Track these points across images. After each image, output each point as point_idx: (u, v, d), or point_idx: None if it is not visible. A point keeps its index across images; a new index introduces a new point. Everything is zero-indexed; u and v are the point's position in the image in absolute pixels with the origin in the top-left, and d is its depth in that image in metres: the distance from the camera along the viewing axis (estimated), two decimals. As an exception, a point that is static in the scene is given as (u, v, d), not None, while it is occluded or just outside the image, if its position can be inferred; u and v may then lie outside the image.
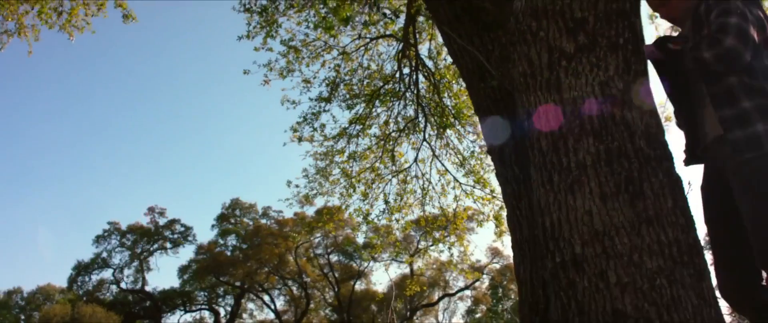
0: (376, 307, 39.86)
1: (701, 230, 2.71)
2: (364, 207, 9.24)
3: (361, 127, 9.16)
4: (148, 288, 38.11)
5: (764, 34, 2.72)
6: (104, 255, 37.71)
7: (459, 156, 9.14)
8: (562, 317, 2.52)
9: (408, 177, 9.20)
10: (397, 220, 9.39)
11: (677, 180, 2.58)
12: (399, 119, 9.22)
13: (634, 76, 2.62)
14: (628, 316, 2.35)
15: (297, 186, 9.78)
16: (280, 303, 39.74)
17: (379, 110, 9.30)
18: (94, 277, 38.10)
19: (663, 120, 3.41)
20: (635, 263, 2.39)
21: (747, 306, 2.73)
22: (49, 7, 8.30)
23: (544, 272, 2.70)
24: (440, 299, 41.77)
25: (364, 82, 9.15)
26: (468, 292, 42.82)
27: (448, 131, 9.01)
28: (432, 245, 11.49)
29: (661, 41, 2.92)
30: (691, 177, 2.98)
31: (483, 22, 3.42)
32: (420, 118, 9.03)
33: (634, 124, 2.54)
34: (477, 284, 41.15)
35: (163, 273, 70.10)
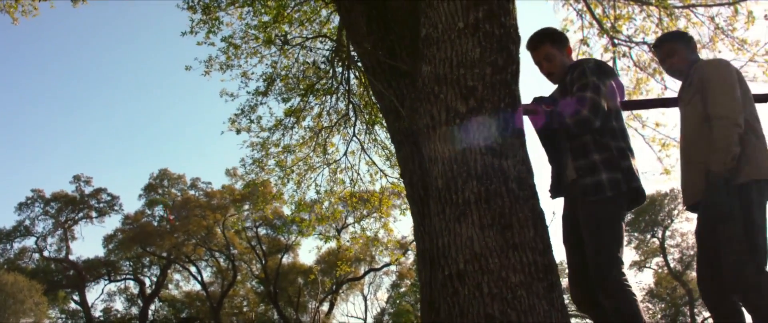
0: (302, 280, 40.52)
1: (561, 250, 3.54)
2: (297, 195, 9.95)
3: (296, 119, 9.77)
4: (71, 257, 37.72)
5: (614, 101, 3.53)
6: (27, 223, 37.06)
7: (386, 150, 9.87)
8: (448, 317, 3.29)
9: (338, 169, 9.90)
10: (327, 208, 10.10)
11: (540, 214, 3.37)
12: (332, 112, 9.87)
13: (512, 133, 3.39)
14: (496, 319, 3.14)
15: (235, 175, 10.37)
16: (207, 275, 39.94)
17: (313, 103, 9.92)
18: (16, 245, 37.43)
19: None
20: (503, 278, 3.17)
21: (591, 309, 3.57)
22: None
23: (437, 281, 3.46)
24: (366, 273, 42.74)
25: (300, 77, 9.74)
26: (393, 267, 43.96)
27: (377, 127, 9.71)
28: (355, 223, 12.25)
29: (537, 101, 3.72)
30: (557, 207, 3.82)
31: (400, 71, 4.14)
32: (351, 114, 9.69)
33: (508, 171, 3.31)
34: (402, 259, 42.30)
35: (88, 242, 69.01)
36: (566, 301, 3.67)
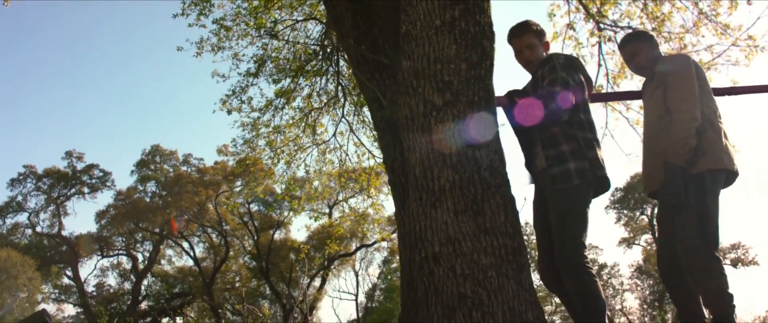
0: (294, 256, 40.74)
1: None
2: (287, 175, 10.17)
3: (286, 100, 9.94)
4: (64, 233, 37.86)
5: (583, 94, 3.76)
6: (19, 198, 37.11)
7: (374, 132, 10.04)
8: (425, 295, 3.54)
9: (327, 149, 10.11)
10: (316, 189, 10.33)
11: (510, 201, 3.60)
12: (321, 93, 10.03)
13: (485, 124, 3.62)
14: (468, 297, 3.39)
15: (226, 152, 10.56)
16: (199, 251, 40.16)
17: (303, 84, 10.08)
18: (9, 221, 37.52)
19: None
20: (475, 260, 3.42)
21: (557, 289, 3.82)
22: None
23: (415, 262, 3.71)
24: (357, 250, 42.95)
25: (290, 58, 9.89)
26: (385, 244, 44.18)
27: (365, 108, 9.88)
28: (344, 202, 12.49)
29: (510, 94, 3.94)
30: (530, 194, 4.09)
31: (382, 64, 4.36)
32: (340, 95, 9.86)
33: (481, 160, 3.55)
34: (393, 236, 42.47)
35: (81, 218, 68.97)
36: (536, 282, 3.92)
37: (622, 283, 42.30)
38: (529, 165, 3.95)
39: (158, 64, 65.60)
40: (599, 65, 9.25)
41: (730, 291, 3.49)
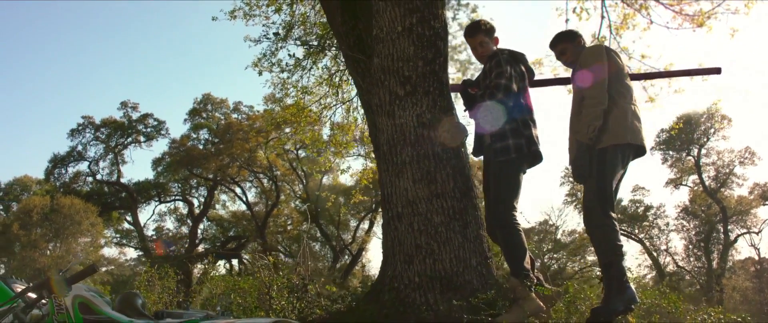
0: (343, 199, 41.81)
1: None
2: (315, 130, 11.05)
3: (313, 61, 10.68)
4: (123, 180, 39.60)
5: (523, 82, 4.55)
6: (79, 148, 38.76)
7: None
8: (391, 246, 4.48)
9: (351, 107, 10.87)
10: (342, 144, 11.16)
11: (459, 170, 4.48)
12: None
13: (439, 110, 4.48)
14: (423, 248, 4.32)
15: (273, 100, 11.40)
16: (251, 196, 41.55)
17: (329, 44, 10.79)
18: (71, 170, 39.35)
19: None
20: (428, 219, 4.33)
21: (497, 239, 4.70)
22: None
23: (385, 220, 4.64)
24: (403, 192, 43.74)
25: (317, 21, 10.63)
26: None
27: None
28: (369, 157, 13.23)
29: (465, 83, 4.76)
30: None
31: (361, 59, 5.24)
32: (364, 55, 10.58)
33: (435, 139, 4.42)
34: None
35: (138, 165, 71.51)
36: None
37: (667, 224, 42.18)
38: (480, 139, 4.79)
39: (204, 16, 66.74)
40: (602, 17, 9.73)
41: (620, 243, 4.31)
